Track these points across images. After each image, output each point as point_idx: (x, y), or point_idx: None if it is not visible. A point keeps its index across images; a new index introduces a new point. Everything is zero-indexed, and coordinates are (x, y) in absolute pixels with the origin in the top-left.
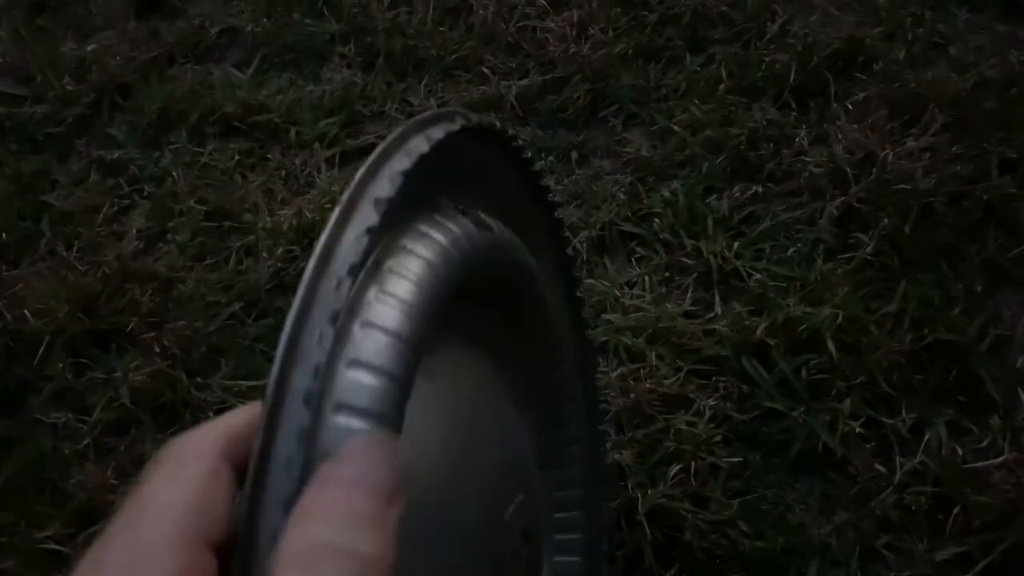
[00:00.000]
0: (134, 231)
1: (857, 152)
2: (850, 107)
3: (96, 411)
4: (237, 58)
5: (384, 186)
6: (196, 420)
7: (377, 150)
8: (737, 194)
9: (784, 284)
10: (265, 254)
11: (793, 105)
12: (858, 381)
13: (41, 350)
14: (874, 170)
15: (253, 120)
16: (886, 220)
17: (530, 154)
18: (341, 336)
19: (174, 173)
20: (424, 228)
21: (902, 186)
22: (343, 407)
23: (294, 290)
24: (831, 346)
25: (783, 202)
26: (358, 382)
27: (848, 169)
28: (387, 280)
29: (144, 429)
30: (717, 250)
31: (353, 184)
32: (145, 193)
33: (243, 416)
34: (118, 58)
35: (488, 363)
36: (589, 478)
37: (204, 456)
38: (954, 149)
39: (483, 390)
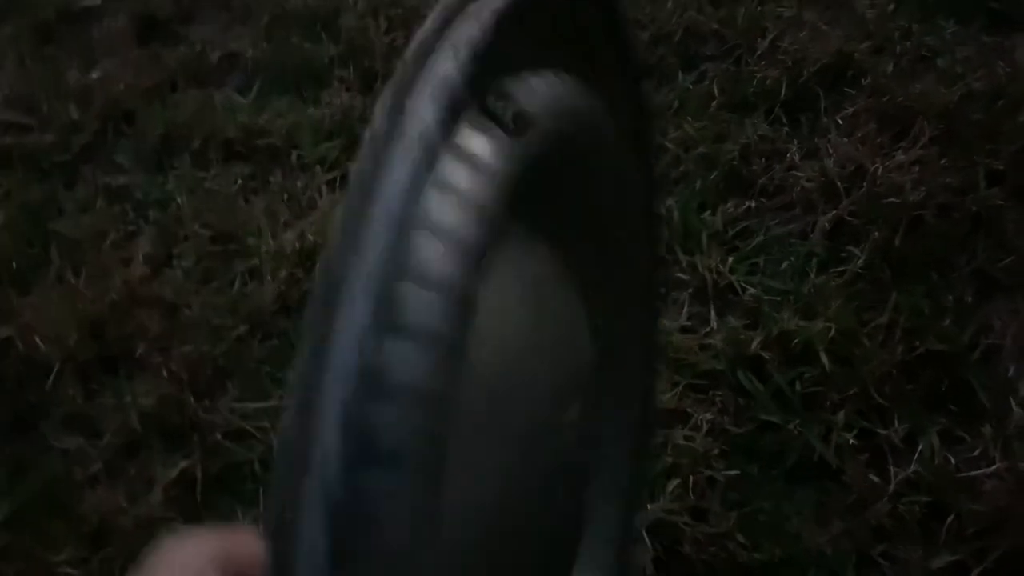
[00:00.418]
0: (140, 256)
1: (848, 166)
2: (840, 121)
3: (106, 435)
4: (238, 82)
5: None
6: (204, 443)
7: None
8: (731, 209)
9: (778, 298)
10: (269, 277)
11: (784, 120)
12: (851, 392)
13: (52, 376)
14: (864, 183)
15: (255, 144)
16: (877, 233)
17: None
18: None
19: (178, 198)
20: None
21: (892, 199)
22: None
23: (299, 312)
24: (824, 358)
25: (776, 216)
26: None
27: (839, 183)
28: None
29: (153, 452)
30: (712, 265)
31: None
32: (150, 219)
33: (241, 540)
34: (122, 85)
35: (555, 254)
36: (640, 415)
37: (198, 568)
38: (942, 161)
39: (550, 280)
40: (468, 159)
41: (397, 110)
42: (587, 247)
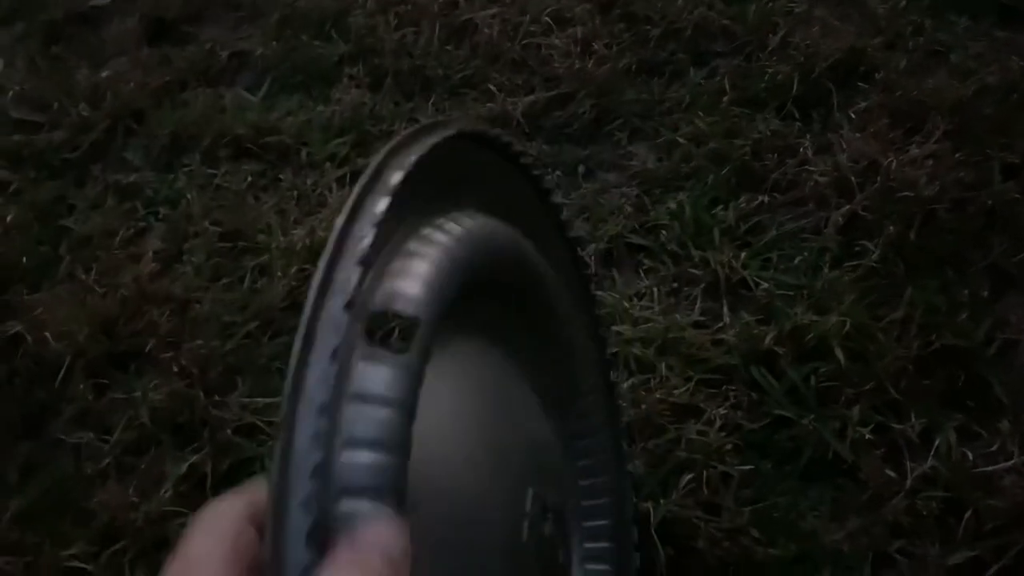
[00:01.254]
0: (150, 253)
1: (861, 161)
2: (853, 116)
3: (117, 431)
4: (248, 81)
5: (381, 201)
6: (214, 438)
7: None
8: (743, 205)
9: (791, 293)
10: (279, 273)
11: (796, 116)
12: (866, 388)
13: (62, 372)
14: (878, 178)
15: (264, 142)
16: (891, 228)
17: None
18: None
19: (188, 195)
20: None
21: (906, 193)
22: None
23: None
24: (839, 353)
25: (788, 212)
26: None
27: (852, 178)
28: (394, 276)
29: (164, 448)
30: (724, 260)
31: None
32: (160, 216)
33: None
34: (131, 84)
35: (498, 352)
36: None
37: (234, 519)
38: (956, 156)
39: (495, 376)
40: (370, 398)
41: (300, 365)
42: (527, 343)
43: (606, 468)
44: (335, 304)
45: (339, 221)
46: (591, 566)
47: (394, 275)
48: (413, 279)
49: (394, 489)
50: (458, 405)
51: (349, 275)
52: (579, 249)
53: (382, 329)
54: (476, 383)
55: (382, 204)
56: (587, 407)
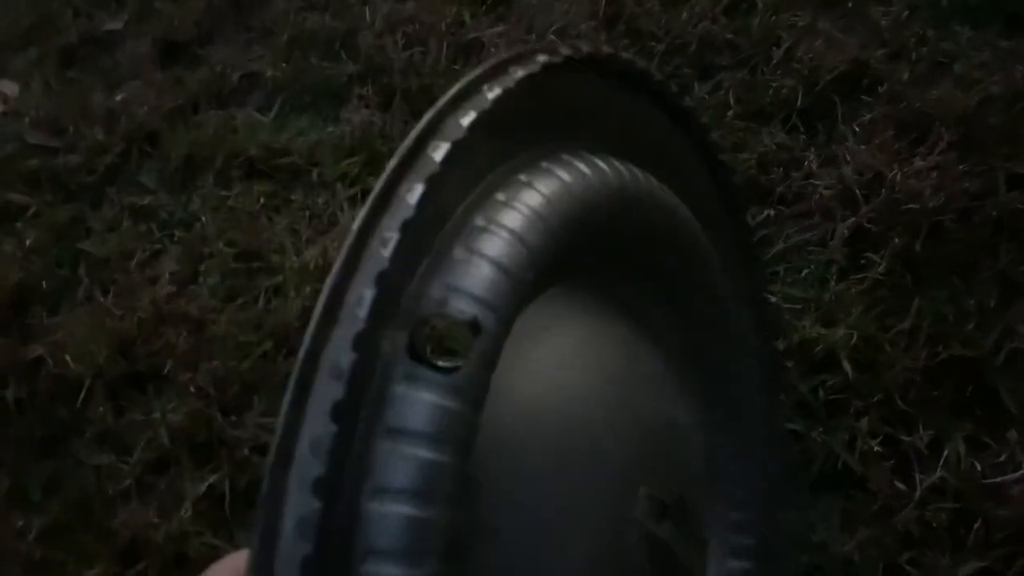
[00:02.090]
0: (166, 275)
1: (866, 173)
2: (857, 128)
3: (136, 451)
4: (259, 102)
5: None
6: (232, 458)
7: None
8: (749, 218)
9: (799, 306)
10: (293, 293)
11: (801, 128)
12: (875, 399)
13: (82, 393)
14: (883, 190)
15: (276, 162)
16: (897, 239)
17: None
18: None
19: (202, 217)
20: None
21: (911, 205)
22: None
23: None
24: (847, 365)
25: (795, 224)
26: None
27: (857, 190)
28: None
29: (182, 468)
30: None
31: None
32: (175, 237)
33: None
34: (145, 107)
35: (623, 325)
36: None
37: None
38: (961, 167)
39: (613, 351)
40: (408, 434)
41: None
42: (672, 323)
43: (752, 457)
44: (340, 335)
45: (362, 212)
46: (734, 563)
47: (453, 264)
48: (479, 265)
49: (433, 550)
50: (551, 392)
51: (363, 294)
52: (736, 194)
53: (430, 341)
54: (584, 360)
55: (420, 184)
56: (739, 391)
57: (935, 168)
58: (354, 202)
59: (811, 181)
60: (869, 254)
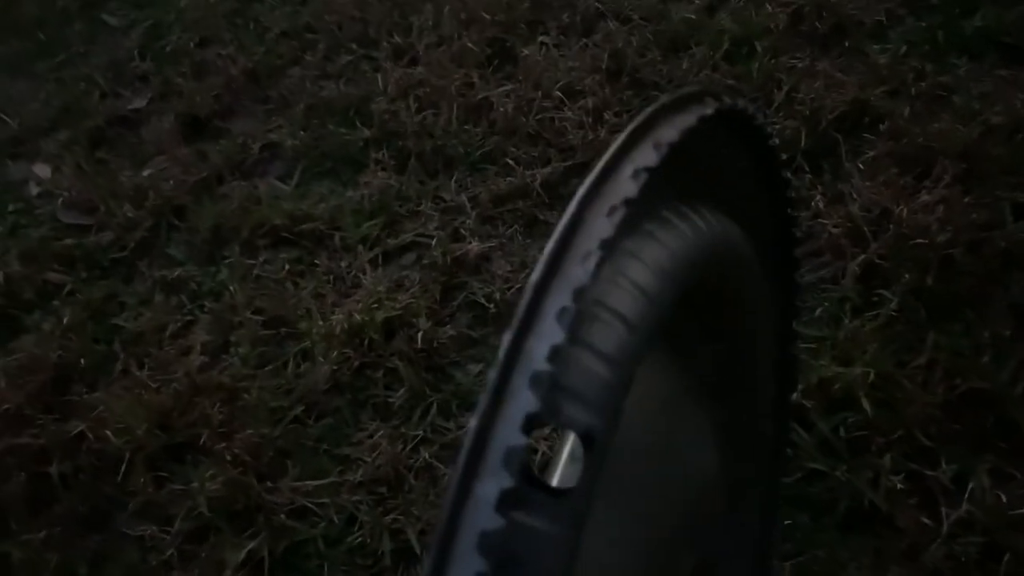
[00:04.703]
0: (198, 345)
1: (873, 209)
2: (862, 166)
3: (177, 521)
4: (280, 171)
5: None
6: (269, 523)
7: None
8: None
9: (815, 345)
10: (321, 358)
11: (807, 168)
12: (896, 436)
13: (123, 467)
14: (891, 225)
15: (299, 228)
16: (907, 275)
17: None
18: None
19: (231, 287)
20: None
21: (920, 240)
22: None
23: (351, 389)
24: (866, 403)
25: (807, 264)
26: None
27: (866, 227)
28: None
29: (222, 535)
30: None
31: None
32: (206, 308)
33: None
34: (171, 181)
35: (677, 367)
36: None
37: None
38: (967, 199)
39: (671, 402)
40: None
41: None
42: (715, 364)
43: (756, 529)
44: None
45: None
46: None
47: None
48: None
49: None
50: (622, 451)
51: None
52: (796, 241)
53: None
54: (648, 413)
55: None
56: (752, 444)
57: (941, 201)
58: (375, 263)
59: (819, 220)
60: (881, 291)
